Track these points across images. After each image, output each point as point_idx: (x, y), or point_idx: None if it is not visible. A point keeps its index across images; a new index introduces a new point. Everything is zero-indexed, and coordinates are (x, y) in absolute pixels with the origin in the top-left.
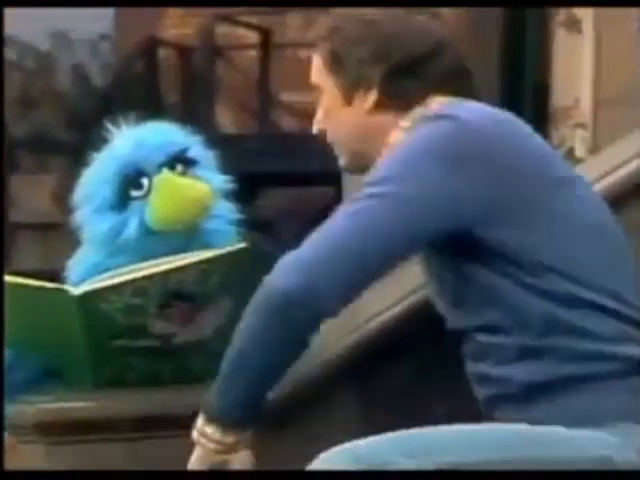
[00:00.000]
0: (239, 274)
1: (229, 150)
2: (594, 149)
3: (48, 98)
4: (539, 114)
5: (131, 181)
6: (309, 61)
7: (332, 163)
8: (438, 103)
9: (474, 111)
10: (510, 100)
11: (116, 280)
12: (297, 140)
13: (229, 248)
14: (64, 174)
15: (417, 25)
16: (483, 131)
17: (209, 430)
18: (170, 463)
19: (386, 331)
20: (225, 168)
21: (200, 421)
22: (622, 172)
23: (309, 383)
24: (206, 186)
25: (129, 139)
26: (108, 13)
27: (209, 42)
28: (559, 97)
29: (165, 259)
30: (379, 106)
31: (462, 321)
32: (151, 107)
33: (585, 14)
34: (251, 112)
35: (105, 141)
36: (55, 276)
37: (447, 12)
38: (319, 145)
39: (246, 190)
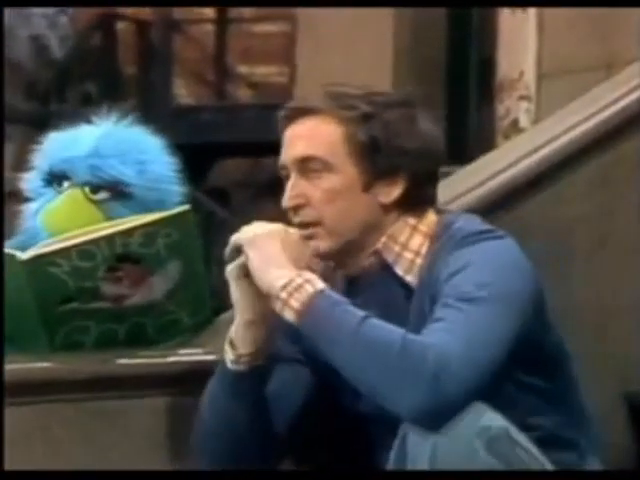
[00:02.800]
0: (185, 236)
1: (185, 121)
2: (537, 120)
3: (6, 69)
4: (485, 87)
5: (55, 178)
6: (264, 35)
7: None
8: (450, 217)
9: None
10: (456, 73)
11: (62, 244)
12: (251, 111)
13: (173, 210)
14: (23, 143)
15: (437, 127)
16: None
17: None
18: (121, 423)
19: None
20: (182, 139)
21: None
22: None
23: None
24: (97, 223)
25: (85, 143)
26: None
27: (166, 15)
28: (504, 70)
29: (111, 222)
30: (396, 202)
31: None
32: (108, 79)
33: None
34: (207, 84)
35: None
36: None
37: None
38: (273, 117)
39: (202, 160)
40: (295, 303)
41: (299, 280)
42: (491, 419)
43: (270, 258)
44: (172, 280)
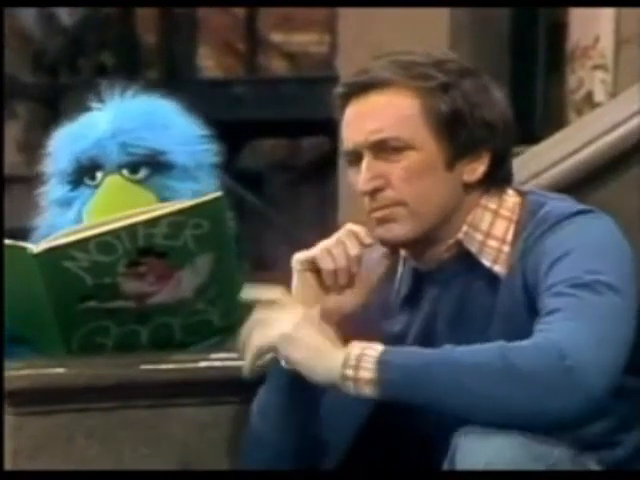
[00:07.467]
0: (216, 227)
1: (213, 96)
2: (615, 93)
3: (10, 39)
4: (554, 55)
5: (85, 170)
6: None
7: (326, 110)
8: (537, 197)
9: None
10: (523, 40)
11: (78, 236)
12: (288, 85)
13: (202, 198)
14: (31, 120)
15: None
16: None
17: None
18: (150, 434)
19: None
20: (209, 116)
21: None
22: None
23: None
24: (151, 204)
25: (104, 123)
26: None
27: None
28: (577, 36)
29: (132, 211)
30: (479, 181)
31: None
32: (125, 49)
33: None
34: (237, 54)
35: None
36: (22, 235)
37: None
38: (312, 91)
39: (232, 139)
40: (366, 373)
41: (357, 351)
42: (554, 443)
43: (316, 350)
44: (202, 276)
